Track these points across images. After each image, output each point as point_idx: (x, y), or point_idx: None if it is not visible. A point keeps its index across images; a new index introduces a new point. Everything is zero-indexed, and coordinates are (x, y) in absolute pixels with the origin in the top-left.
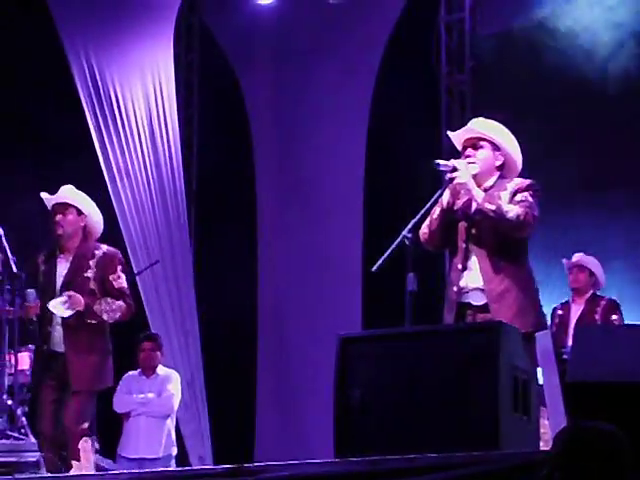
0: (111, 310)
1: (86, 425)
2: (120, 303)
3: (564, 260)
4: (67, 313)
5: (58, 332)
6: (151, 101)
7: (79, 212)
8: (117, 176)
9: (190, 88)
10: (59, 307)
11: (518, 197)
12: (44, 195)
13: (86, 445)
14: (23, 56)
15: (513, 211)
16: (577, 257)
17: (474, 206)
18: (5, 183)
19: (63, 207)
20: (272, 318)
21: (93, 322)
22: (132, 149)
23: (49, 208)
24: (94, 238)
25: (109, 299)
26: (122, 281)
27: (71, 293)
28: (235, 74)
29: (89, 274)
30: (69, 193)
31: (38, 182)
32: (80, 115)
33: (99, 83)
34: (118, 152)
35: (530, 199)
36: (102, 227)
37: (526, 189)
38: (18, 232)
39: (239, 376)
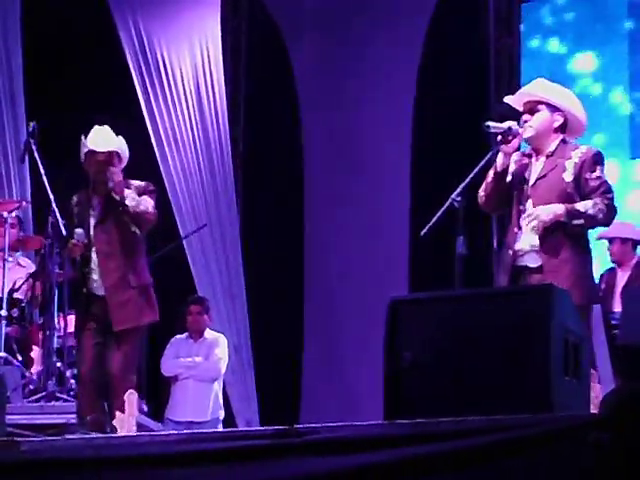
0: (137, 200)
1: (133, 377)
2: (149, 201)
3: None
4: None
5: (97, 274)
6: (198, 66)
7: (120, 159)
8: (165, 141)
9: (237, 53)
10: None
11: (591, 178)
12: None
13: (132, 397)
14: (73, 24)
15: (598, 209)
16: (600, 232)
17: (532, 174)
18: (53, 150)
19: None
20: (318, 282)
21: (117, 200)
22: (179, 114)
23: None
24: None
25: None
26: (150, 201)
27: (80, 233)
28: (283, 40)
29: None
30: (108, 139)
31: None
32: (128, 81)
33: (147, 49)
34: (166, 117)
35: (603, 177)
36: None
37: (594, 163)
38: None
39: (286, 340)
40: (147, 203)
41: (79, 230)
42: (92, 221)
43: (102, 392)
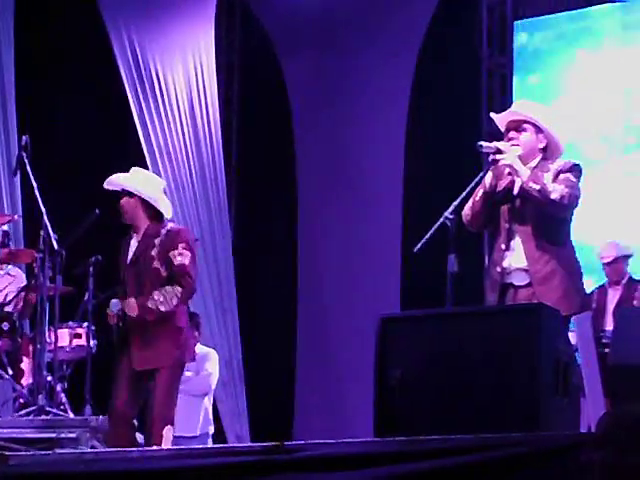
0: (166, 301)
1: (172, 413)
2: (174, 289)
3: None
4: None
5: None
6: (192, 80)
7: (130, 194)
8: (157, 155)
9: (231, 68)
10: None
11: (561, 177)
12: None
13: (169, 434)
14: (66, 38)
15: (557, 191)
16: (601, 253)
17: (518, 186)
18: (47, 164)
19: (118, 193)
20: (311, 298)
21: (151, 318)
22: (172, 128)
23: None
24: (163, 216)
25: (163, 289)
26: (183, 258)
27: (116, 307)
28: (276, 55)
29: (153, 253)
30: (115, 178)
31: (80, 161)
32: (122, 95)
33: (140, 63)
34: (159, 131)
35: (573, 179)
36: (160, 200)
37: (569, 170)
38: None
39: (278, 356)
40: (177, 291)
41: (114, 301)
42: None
43: (134, 426)
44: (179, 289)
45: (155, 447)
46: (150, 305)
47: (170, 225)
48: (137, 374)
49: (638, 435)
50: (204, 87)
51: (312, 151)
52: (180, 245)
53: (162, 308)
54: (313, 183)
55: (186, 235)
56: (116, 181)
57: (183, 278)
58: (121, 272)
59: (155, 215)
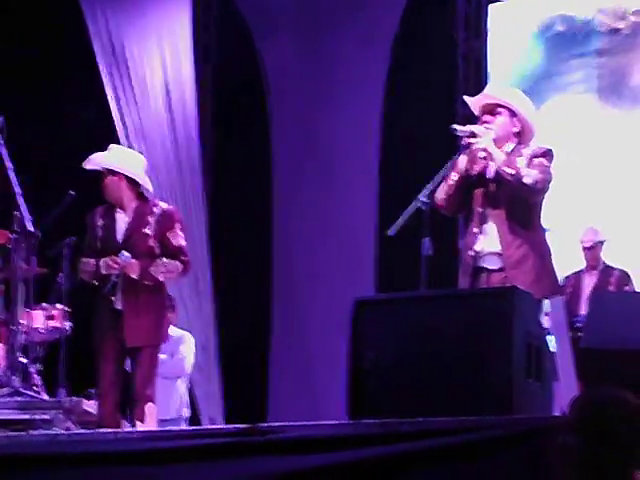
0: (167, 271)
1: (153, 389)
2: (176, 263)
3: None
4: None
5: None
6: (167, 61)
7: (113, 173)
8: (133, 136)
9: (206, 49)
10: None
11: (535, 162)
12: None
13: (152, 410)
14: (41, 17)
15: (530, 176)
16: (582, 237)
17: (492, 169)
18: (23, 145)
19: (99, 174)
20: (286, 281)
21: (149, 283)
22: (148, 111)
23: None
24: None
25: (165, 260)
26: (180, 239)
27: (127, 260)
28: (252, 37)
29: (148, 231)
30: (96, 157)
31: (55, 143)
32: (96, 75)
33: (115, 43)
34: (134, 114)
35: (546, 164)
36: (144, 177)
37: (542, 155)
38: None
39: (252, 338)
40: (178, 265)
41: (126, 253)
42: (119, 237)
43: (120, 404)
44: (180, 265)
45: (140, 425)
46: (152, 270)
47: (162, 205)
48: (123, 352)
49: (608, 418)
50: (179, 68)
51: (287, 133)
52: (176, 225)
53: (161, 277)
54: (288, 165)
55: (180, 216)
56: (98, 160)
57: (179, 256)
58: (90, 244)
59: (140, 193)
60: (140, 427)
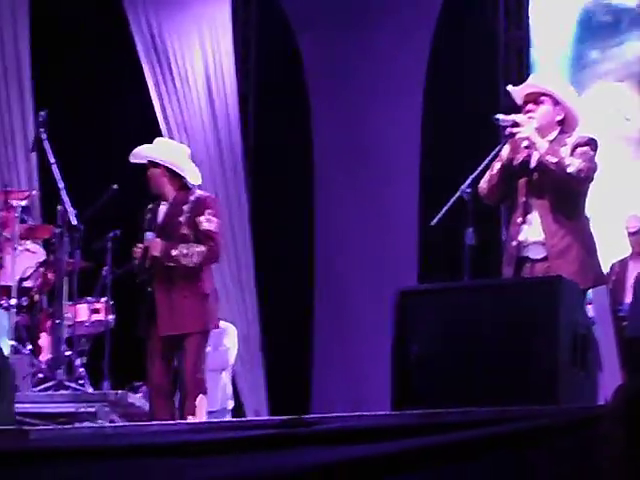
0: (189, 255)
1: (204, 381)
2: (201, 248)
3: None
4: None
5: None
6: (208, 56)
7: (156, 165)
8: (175, 131)
9: (247, 44)
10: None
11: (578, 150)
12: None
13: (203, 402)
14: (83, 13)
15: (574, 165)
16: (627, 223)
17: (535, 158)
18: (66, 139)
19: (144, 166)
20: (329, 272)
21: (171, 265)
22: (189, 105)
23: None
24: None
25: (190, 244)
26: (210, 224)
27: (150, 239)
28: (292, 30)
29: (182, 219)
30: (140, 150)
31: (98, 137)
32: (139, 71)
33: (157, 39)
34: (176, 107)
35: (590, 153)
36: (188, 168)
37: (586, 144)
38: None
39: (296, 330)
40: (202, 251)
41: (150, 233)
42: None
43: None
44: (203, 248)
45: (191, 419)
46: (173, 253)
47: (199, 192)
48: (167, 342)
49: None
50: (221, 63)
51: (329, 125)
52: (207, 211)
53: (183, 261)
54: (330, 157)
55: (213, 203)
56: (141, 153)
57: (207, 241)
58: (140, 238)
59: (182, 183)
60: (191, 420)
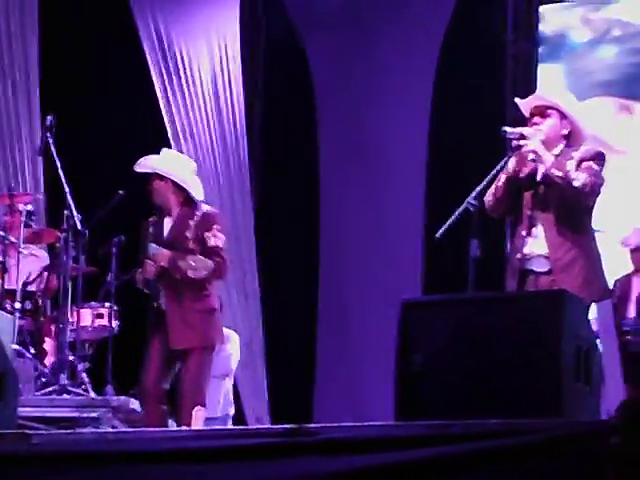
0: (196, 268)
1: (203, 394)
2: (208, 262)
3: (622, 242)
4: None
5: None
6: (216, 61)
7: (162, 178)
8: (181, 137)
9: (255, 49)
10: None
11: (584, 165)
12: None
13: (200, 414)
14: (91, 17)
15: (580, 179)
16: (629, 240)
17: (541, 172)
18: (73, 144)
19: (149, 176)
20: (333, 281)
21: (177, 277)
22: (196, 110)
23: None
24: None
25: (198, 257)
26: (216, 240)
27: (157, 250)
28: (300, 35)
29: (188, 234)
30: (146, 160)
31: (104, 141)
32: (146, 77)
33: (165, 44)
34: (182, 113)
35: (596, 167)
36: (193, 183)
37: (592, 158)
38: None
39: (299, 338)
40: (209, 264)
41: (154, 245)
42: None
43: (165, 403)
44: (211, 263)
45: (184, 427)
46: (180, 264)
47: (205, 207)
48: (170, 353)
49: None
50: (228, 69)
51: (335, 132)
52: (215, 227)
53: (190, 273)
54: (336, 165)
55: (219, 218)
56: (148, 164)
57: (215, 257)
58: (142, 252)
59: (186, 198)
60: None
